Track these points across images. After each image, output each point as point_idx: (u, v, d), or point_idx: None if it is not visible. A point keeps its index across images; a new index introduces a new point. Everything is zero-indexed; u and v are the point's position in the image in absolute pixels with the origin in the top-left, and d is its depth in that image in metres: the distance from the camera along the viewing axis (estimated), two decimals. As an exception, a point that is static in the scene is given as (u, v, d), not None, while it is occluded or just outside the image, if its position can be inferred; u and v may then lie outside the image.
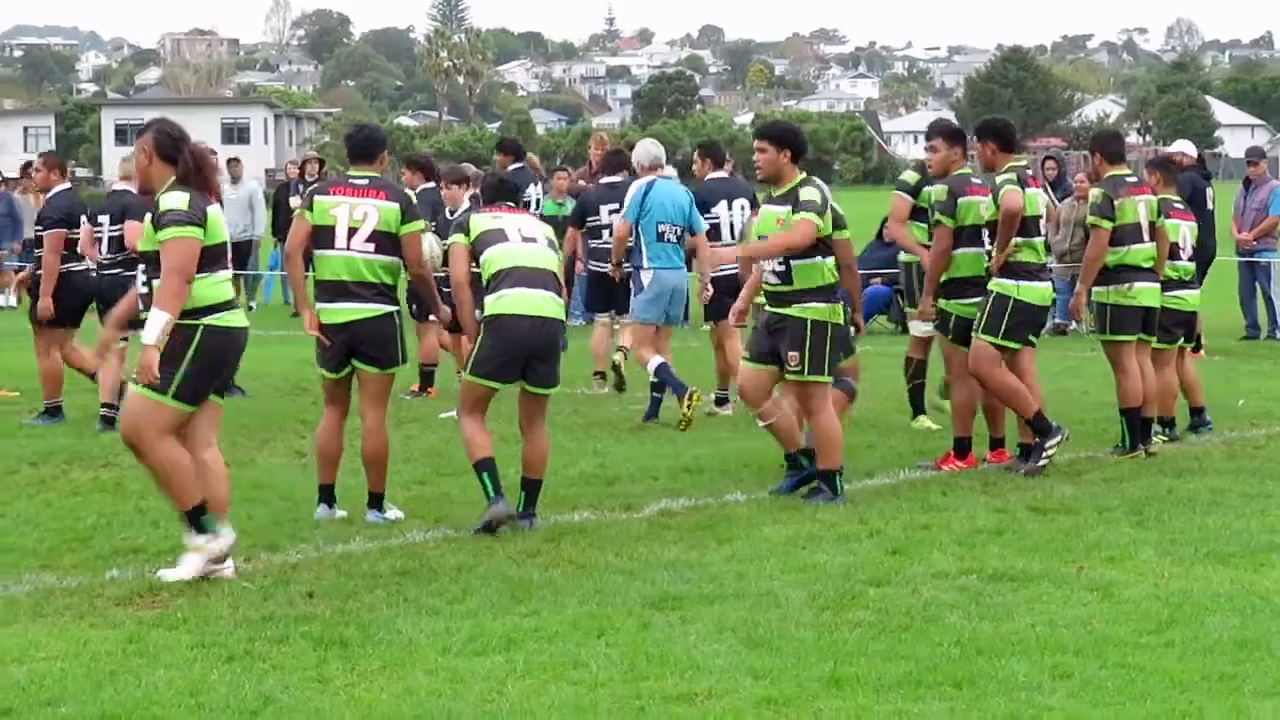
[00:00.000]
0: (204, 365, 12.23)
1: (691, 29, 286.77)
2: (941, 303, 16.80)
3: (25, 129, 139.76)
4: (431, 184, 21.95)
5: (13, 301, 39.52)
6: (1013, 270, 16.05)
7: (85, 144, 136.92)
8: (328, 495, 14.44)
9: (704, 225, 20.57)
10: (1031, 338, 16.39)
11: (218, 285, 12.29)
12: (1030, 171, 17.23)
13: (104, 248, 19.83)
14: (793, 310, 14.70)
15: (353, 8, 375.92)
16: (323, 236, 14.14)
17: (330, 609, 11.31)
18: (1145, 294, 17.14)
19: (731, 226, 20.88)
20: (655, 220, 19.93)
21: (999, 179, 16.44)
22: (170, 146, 12.44)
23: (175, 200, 12.07)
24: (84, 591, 11.87)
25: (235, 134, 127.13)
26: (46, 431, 19.50)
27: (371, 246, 14.06)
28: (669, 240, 19.96)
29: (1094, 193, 17.49)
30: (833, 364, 14.89)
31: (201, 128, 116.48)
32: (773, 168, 15.04)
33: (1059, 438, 16.02)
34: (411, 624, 10.87)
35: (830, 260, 14.81)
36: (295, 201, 36.13)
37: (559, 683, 9.59)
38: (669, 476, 16.00)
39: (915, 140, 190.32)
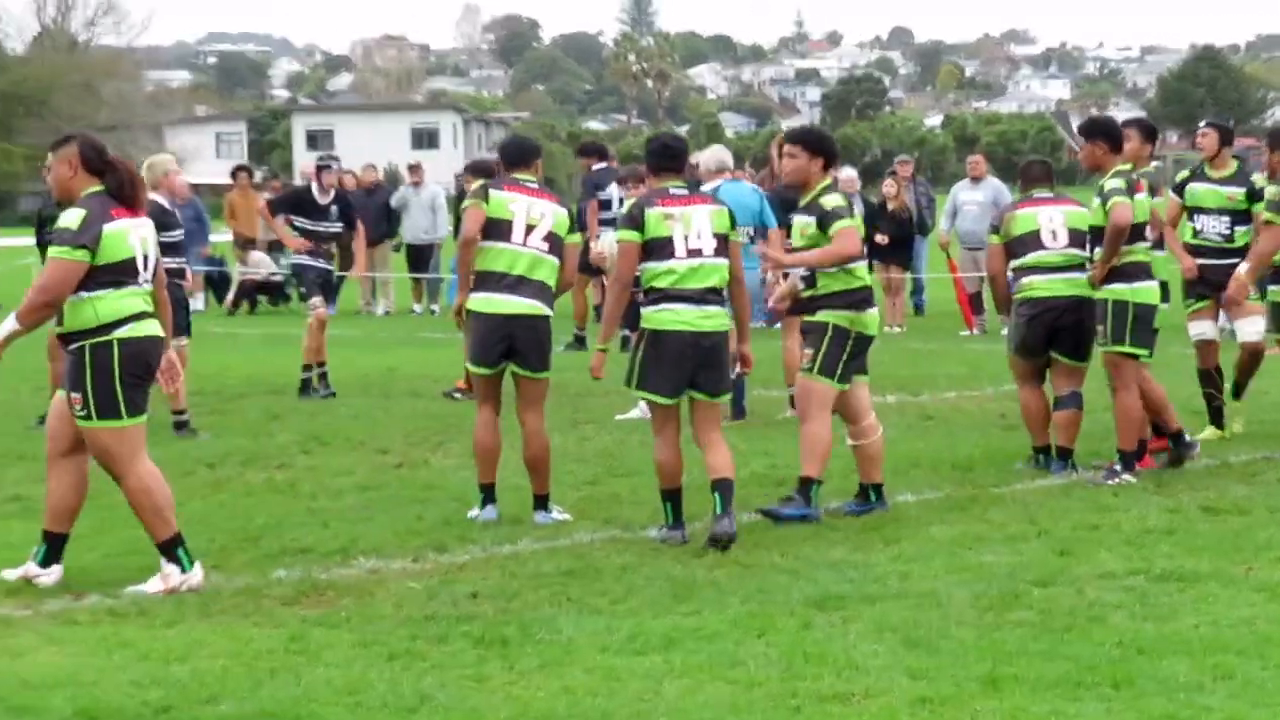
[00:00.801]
0: (133, 375, 12.19)
1: (881, 31, 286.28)
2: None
3: (218, 135, 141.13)
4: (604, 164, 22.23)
5: (200, 305, 39.92)
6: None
7: (277, 149, 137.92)
8: (488, 494, 14.44)
9: (775, 222, 20.65)
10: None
11: (123, 300, 12.17)
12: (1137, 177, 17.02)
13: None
14: (818, 316, 14.65)
15: (542, 12, 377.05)
16: (499, 229, 14.19)
17: (493, 608, 11.36)
18: None
19: None
20: None
21: (1107, 184, 16.22)
22: (95, 159, 12.46)
23: (68, 219, 12.09)
24: (250, 591, 12.00)
25: (425, 139, 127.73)
26: (225, 432, 19.68)
27: (546, 246, 14.17)
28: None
29: (1271, 189, 17.18)
30: (846, 371, 14.61)
31: (391, 133, 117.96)
32: (802, 174, 14.61)
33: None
34: (572, 623, 10.90)
35: (859, 265, 14.75)
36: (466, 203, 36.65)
37: (715, 682, 9.59)
38: (839, 477, 15.87)
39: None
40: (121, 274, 12.16)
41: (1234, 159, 18.35)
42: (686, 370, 13.57)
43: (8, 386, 22.52)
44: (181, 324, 19.57)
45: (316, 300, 23.04)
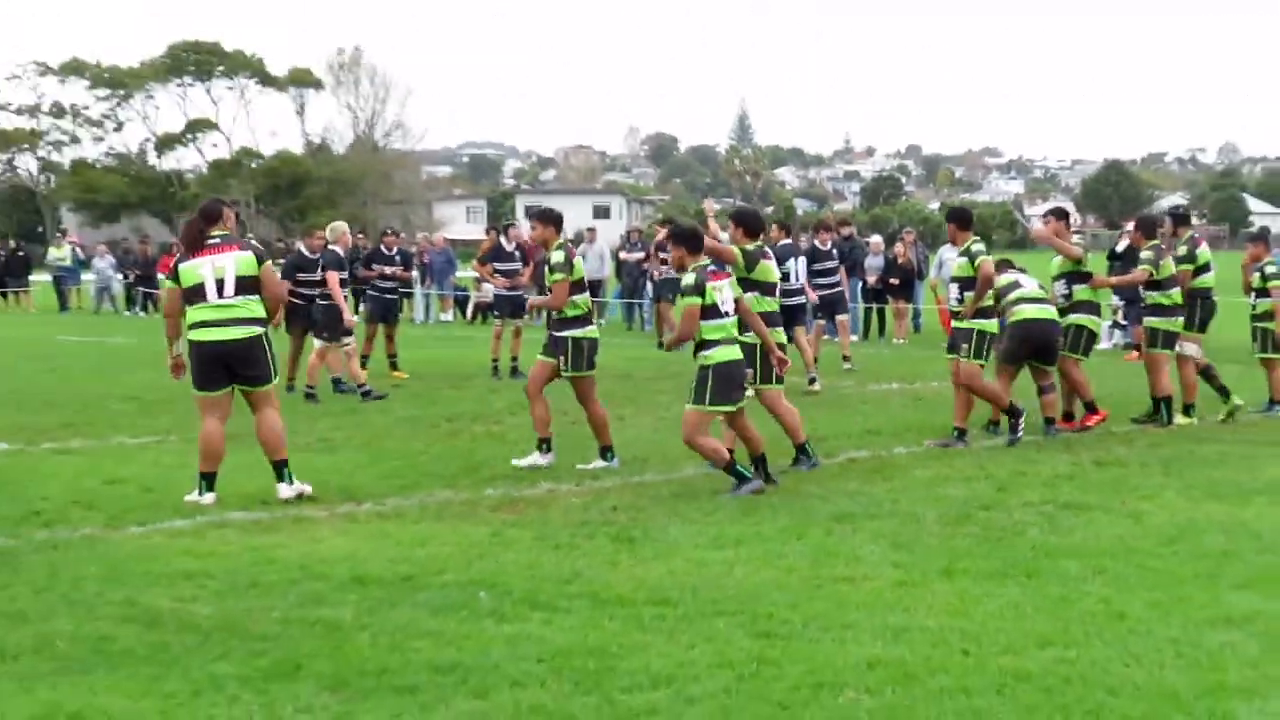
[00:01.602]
0: (197, 364, 12.02)
1: (900, 146, 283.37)
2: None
3: (467, 208, 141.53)
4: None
5: (450, 316, 40.05)
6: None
7: (504, 219, 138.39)
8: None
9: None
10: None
11: (191, 313, 11.93)
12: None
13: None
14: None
15: (680, 131, 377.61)
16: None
17: (626, 517, 11.35)
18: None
19: (796, 273, 21.21)
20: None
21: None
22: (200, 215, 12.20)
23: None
24: (469, 502, 12.07)
25: (601, 212, 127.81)
26: (459, 400, 19.74)
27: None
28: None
29: (1144, 254, 17.01)
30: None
31: (579, 209, 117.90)
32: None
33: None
34: (676, 528, 10.88)
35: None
36: (623, 254, 37.05)
37: (768, 568, 9.57)
38: (858, 436, 15.84)
39: (1045, 219, 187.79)
40: (189, 297, 11.98)
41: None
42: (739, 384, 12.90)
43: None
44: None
45: (501, 318, 23.44)
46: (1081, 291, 16.54)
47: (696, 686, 7.03)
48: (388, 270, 23.34)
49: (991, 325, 15.21)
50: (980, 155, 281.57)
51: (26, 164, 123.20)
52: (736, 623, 8.18)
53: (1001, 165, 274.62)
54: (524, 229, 24.42)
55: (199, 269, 11.92)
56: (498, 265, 23.72)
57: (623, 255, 37.15)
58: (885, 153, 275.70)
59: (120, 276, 48.08)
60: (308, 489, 12.25)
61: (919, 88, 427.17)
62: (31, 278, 52.15)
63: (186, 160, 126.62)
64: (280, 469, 12.21)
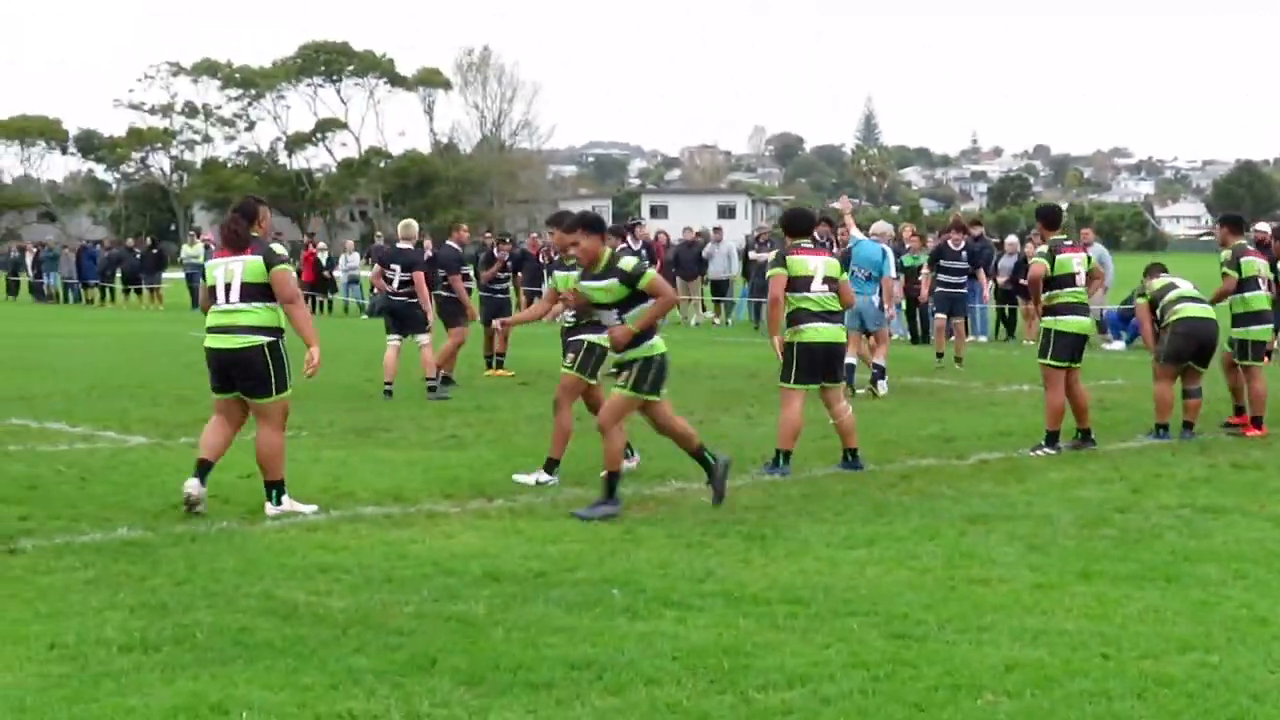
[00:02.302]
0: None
1: (1028, 146, 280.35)
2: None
3: (593, 207, 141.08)
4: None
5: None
6: None
7: (629, 218, 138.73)
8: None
9: (891, 271, 20.47)
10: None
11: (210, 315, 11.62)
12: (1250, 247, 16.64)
13: (395, 284, 20.53)
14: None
15: (806, 130, 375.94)
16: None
17: (756, 516, 11.32)
18: None
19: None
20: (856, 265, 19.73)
21: (1223, 254, 16.09)
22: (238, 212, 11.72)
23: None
24: (599, 500, 12.05)
25: (726, 212, 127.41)
26: (539, 401, 19.76)
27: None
28: (860, 277, 19.56)
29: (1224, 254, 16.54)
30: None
31: (704, 209, 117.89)
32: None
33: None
34: (808, 528, 10.84)
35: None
36: (753, 253, 36.67)
37: (900, 569, 9.49)
38: (989, 437, 15.70)
39: (1178, 222, 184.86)
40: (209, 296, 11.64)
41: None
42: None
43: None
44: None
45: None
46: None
47: (831, 686, 6.98)
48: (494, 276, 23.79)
49: (1061, 324, 14.81)
50: (1109, 155, 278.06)
51: (160, 163, 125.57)
52: (870, 623, 8.13)
53: (1131, 166, 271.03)
54: (650, 228, 24.40)
55: (215, 270, 11.61)
56: None
57: (753, 255, 36.90)
58: (1013, 153, 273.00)
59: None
60: (302, 508, 11.57)
61: (1048, 87, 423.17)
62: (165, 275, 53.03)
63: (316, 159, 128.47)
64: (270, 489, 11.56)
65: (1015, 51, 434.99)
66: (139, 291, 51.48)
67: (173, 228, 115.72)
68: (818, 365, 13.37)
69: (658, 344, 11.89)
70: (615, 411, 11.79)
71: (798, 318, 13.40)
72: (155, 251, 53.40)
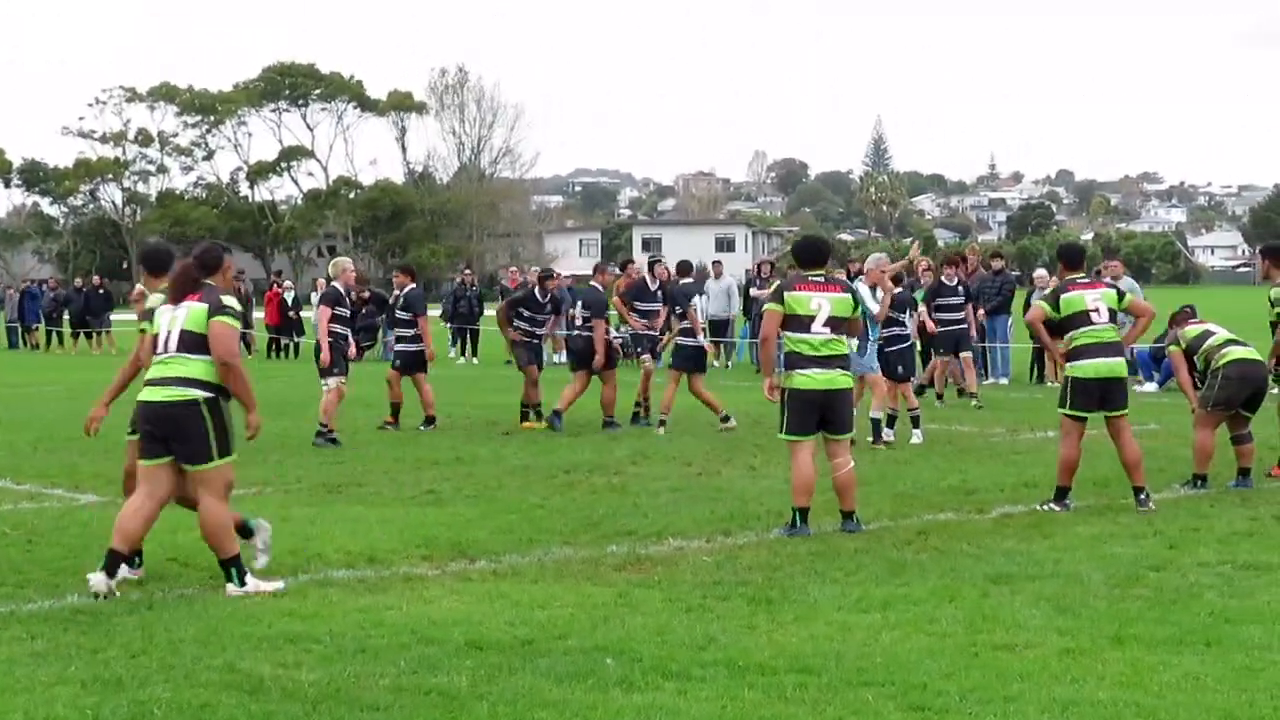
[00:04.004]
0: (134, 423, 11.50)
1: (1051, 171, 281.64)
2: None
3: (580, 241, 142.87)
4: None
5: (561, 358, 40.15)
6: None
7: (620, 251, 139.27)
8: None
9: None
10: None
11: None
12: None
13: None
14: None
15: (810, 156, 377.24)
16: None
17: (762, 577, 11.31)
18: None
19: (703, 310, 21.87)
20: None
21: (1273, 292, 16.08)
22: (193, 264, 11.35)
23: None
24: (591, 560, 12.06)
25: (725, 245, 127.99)
26: (576, 446, 19.82)
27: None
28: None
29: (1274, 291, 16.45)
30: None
31: (700, 240, 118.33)
32: None
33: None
34: (817, 589, 10.83)
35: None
36: (753, 290, 36.51)
37: (918, 634, 9.49)
38: (1012, 489, 15.71)
39: (1212, 252, 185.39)
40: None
41: None
42: (814, 418, 13.32)
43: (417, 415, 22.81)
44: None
45: (646, 356, 23.55)
46: None
47: (845, 764, 6.98)
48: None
49: (1077, 369, 14.51)
50: (1138, 181, 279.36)
51: (111, 195, 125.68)
52: (886, 694, 8.12)
53: (1162, 192, 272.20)
54: (670, 265, 24.47)
55: (161, 316, 11.27)
56: (638, 304, 23.67)
57: (754, 292, 36.35)
58: (1033, 179, 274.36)
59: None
60: (266, 587, 11.04)
61: (1071, 108, 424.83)
62: (115, 316, 52.99)
63: (280, 191, 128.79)
64: (227, 568, 11.01)
65: (1036, 71, 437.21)
66: (88, 335, 51.46)
67: (125, 265, 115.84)
68: (811, 414, 13.31)
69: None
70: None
71: (791, 361, 13.37)
72: (103, 292, 53.38)
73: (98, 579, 10.77)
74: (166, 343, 11.06)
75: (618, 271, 27.65)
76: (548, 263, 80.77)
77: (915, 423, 20.54)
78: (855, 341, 19.22)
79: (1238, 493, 15.41)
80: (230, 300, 11.27)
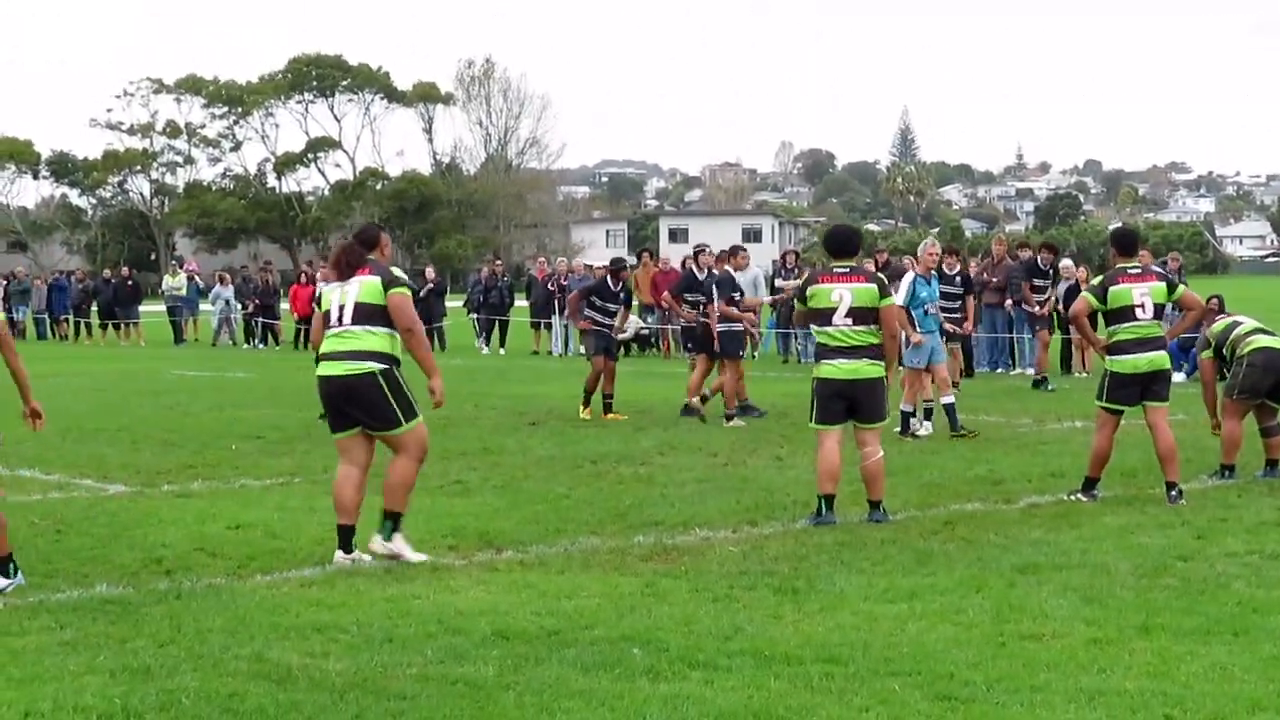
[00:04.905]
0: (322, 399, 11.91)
1: (1078, 161, 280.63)
2: None
3: (607, 231, 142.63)
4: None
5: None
6: None
7: (647, 242, 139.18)
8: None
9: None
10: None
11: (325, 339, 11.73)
12: None
13: None
14: None
15: (837, 147, 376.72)
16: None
17: (788, 567, 11.30)
18: None
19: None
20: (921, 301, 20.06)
21: None
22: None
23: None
24: (618, 550, 12.06)
25: (751, 235, 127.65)
26: (603, 437, 19.81)
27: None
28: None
29: None
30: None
31: (726, 231, 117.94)
32: None
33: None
34: (843, 579, 10.82)
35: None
36: (779, 281, 36.40)
37: (944, 624, 9.48)
38: (1039, 479, 15.68)
39: (1240, 242, 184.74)
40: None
41: None
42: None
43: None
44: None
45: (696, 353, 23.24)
46: None
47: (871, 754, 6.97)
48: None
49: (1116, 363, 14.35)
50: (1166, 171, 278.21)
51: (139, 187, 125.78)
52: (913, 683, 8.12)
53: (1190, 182, 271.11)
54: (712, 254, 24.18)
55: (330, 294, 11.74)
56: (687, 296, 23.42)
57: (779, 283, 36.31)
58: (1061, 169, 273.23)
59: (239, 306, 48.79)
60: (411, 555, 11.67)
61: (1099, 97, 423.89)
62: (142, 308, 53.13)
63: (308, 182, 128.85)
64: (386, 519, 11.69)
65: (1063, 60, 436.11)
66: (116, 327, 51.59)
67: (153, 257, 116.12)
68: (836, 404, 13.35)
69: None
70: None
71: (818, 352, 13.55)
72: (131, 283, 53.50)
73: (339, 557, 11.57)
74: (341, 317, 11.55)
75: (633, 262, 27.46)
76: (575, 254, 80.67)
77: (928, 415, 20.51)
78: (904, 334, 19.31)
79: (1265, 483, 15.37)
80: (399, 272, 11.84)
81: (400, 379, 11.54)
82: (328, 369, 11.58)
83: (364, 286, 11.53)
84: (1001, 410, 23.34)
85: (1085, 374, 30.34)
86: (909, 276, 20.48)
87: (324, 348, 11.67)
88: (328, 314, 11.67)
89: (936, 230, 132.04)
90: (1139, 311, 14.29)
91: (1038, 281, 28.64)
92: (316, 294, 12.27)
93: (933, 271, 20.69)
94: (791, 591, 10.45)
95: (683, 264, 27.06)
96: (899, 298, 19.66)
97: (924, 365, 19.97)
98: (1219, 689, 7.96)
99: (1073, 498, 14.34)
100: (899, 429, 19.59)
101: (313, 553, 11.96)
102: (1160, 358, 14.39)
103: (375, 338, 11.47)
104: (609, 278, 23.90)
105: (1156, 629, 9.27)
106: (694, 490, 15.13)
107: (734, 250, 24.64)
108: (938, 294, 20.30)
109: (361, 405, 11.49)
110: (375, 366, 11.42)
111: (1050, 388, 27.27)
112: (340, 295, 11.59)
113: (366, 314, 11.48)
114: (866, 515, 13.40)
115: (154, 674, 8.47)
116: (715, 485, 15.43)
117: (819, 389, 13.40)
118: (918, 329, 19.71)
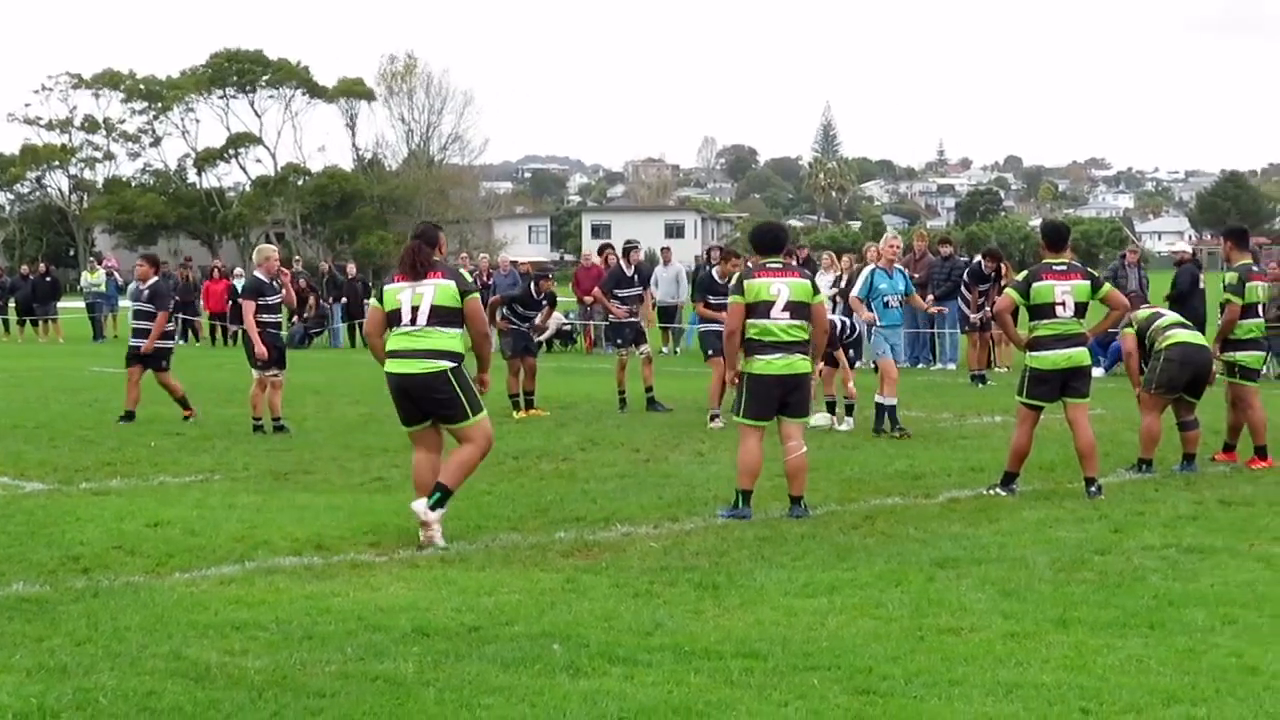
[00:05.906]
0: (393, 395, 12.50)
1: (999, 157, 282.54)
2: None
3: (530, 227, 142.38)
4: None
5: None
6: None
7: (570, 238, 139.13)
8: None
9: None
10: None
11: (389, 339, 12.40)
12: (1255, 268, 16.79)
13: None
14: None
15: (759, 143, 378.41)
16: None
17: (708, 562, 11.33)
18: None
19: None
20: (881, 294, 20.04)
21: (1228, 276, 16.20)
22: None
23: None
24: (539, 546, 12.06)
25: (674, 231, 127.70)
26: (525, 433, 19.78)
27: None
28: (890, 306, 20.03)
29: (1229, 275, 16.58)
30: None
31: (650, 227, 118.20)
32: None
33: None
34: (763, 574, 10.86)
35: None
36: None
37: (864, 618, 9.53)
38: (959, 474, 15.78)
39: (1159, 238, 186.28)
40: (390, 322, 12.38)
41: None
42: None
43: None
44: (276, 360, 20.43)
45: (645, 348, 23.30)
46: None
47: (790, 748, 7.00)
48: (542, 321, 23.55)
49: (1036, 360, 14.39)
50: (1086, 167, 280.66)
51: (57, 182, 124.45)
52: (832, 678, 8.15)
53: (1109, 178, 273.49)
54: (642, 252, 24.10)
55: (400, 293, 12.25)
56: (618, 291, 23.40)
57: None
58: (982, 165, 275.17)
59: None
60: (438, 537, 12.11)
61: (1020, 95, 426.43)
62: (61, 304, 52.64)
63: (228, 178, 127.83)
64: (436, 491, 12.19)
65: (984, 57, 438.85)
66: (34, 323, 51.13)
67: (72, 253, 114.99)
68: (770, 398, 13.37)
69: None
70: None
71: (751, 346, 13.43)
72: (49, 279, 53.00)
73: (419, 504, 12.24)
74: (415, 318, 12.16)
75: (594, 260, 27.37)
76: (498, 249, 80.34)
77: (849, 410, 20.59)
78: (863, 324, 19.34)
79: (1182, 477, 15.52)
80: (469, 275, 12.83)
81: (466, 375, 12.27)
82: (401, 366, 12.21)
83: (440, 290, 12.20)
84: (922, 405, 23.46)
85: (1001, 370, 30.49)
86: (868, 268, 20.51)
87: (394, 345, 12.28)
88: (393, 313, 12.26)
89: (859, 225, 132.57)
90: (1060, 309, 14.35)
91: (982, 287, 29.15)
92: (378, 292, 12.65)
93: (895, 265, 20.45)
94: (712, 587, 10.47)
95: (605, 260, 27.02)
96: (855, 289, 19.88)
97: (888, 356, 19.82)
98: (1135, 681, 8.03)
99: (992, 492, 14.44)
100: (880, 426, 19.43)
101: (232, 550, 11.90)
102: (1080, 354, 14.46)
103: (448, 338, 12.20)
104: (531, 287, 23.79)
105: (1073, 622, 9.35)
106: (615, 486, 15.13)
107: (726, 255, 24.35)
108: (900, 286, 20.11)
109: (434, 400, 12.20)
110: (447, 365, 12.13)
111: (989, 383, 27.42)
112: (412, 296, 12.18)
113: (443, 316, 12.19)
114: (788, 510, 13.44)
115: (71, 672, 8.40)
116: (637, 481, 15.45)
117: (753, 385, 13.37)
118: (879, 321, 19.73)
